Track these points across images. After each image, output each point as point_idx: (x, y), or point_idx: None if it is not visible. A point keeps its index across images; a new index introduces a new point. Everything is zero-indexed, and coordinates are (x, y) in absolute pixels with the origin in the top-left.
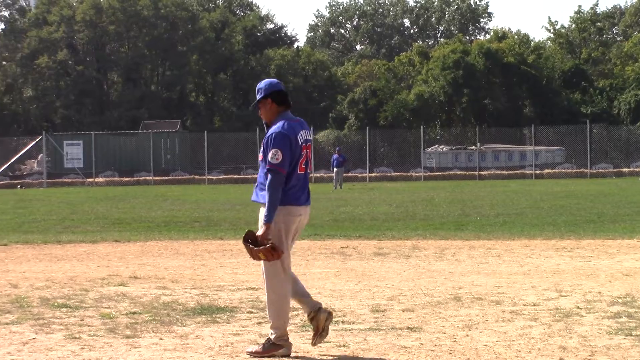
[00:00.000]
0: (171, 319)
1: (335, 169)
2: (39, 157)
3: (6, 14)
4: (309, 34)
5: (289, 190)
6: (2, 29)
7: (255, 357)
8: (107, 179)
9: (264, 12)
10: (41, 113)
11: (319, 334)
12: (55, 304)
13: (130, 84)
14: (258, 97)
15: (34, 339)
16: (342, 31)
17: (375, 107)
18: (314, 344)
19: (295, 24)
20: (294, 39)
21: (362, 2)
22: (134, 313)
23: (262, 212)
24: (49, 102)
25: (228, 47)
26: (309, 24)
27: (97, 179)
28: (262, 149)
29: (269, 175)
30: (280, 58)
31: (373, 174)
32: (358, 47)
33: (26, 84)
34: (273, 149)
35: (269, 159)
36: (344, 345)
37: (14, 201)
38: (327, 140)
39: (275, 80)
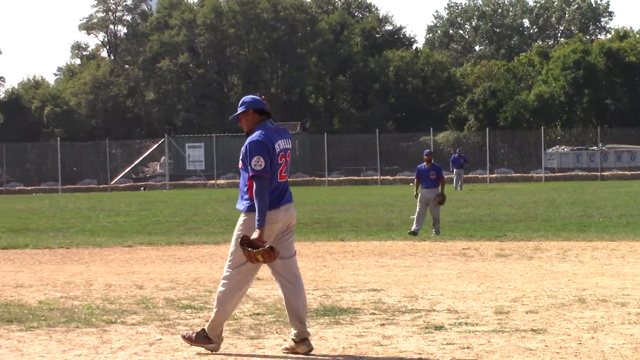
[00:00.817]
0: None
1: (455, 170)
2: (162, 159)
3: (128, 18)
4: (428, 35)
5: (268, 196)
6: (124, 33)
7: (185, 341)
8: (228, 180)
9: (382, 14)
10: (163, 116)
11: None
12: (180, 305)
13: (250, 86)
14: (240, 109)
15: (160, 339)
16: (461, 32)
17: (495, 108)
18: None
19: (414, 26)
20: (412, 40)
21: (481, 2)
22: (258, 314)
23: (241, 218)
24: (171, 105)
25: (347, 49)
26: (428, 25)
27: (218, 181)
28: (241, 158)
29: (255, 182)
30: (399, 59)
31: (493, 175)
32: (477, 47)
33: (148, 87)
34: (255, 156)
35: (252, 166)
36: (467, 347)
37: (137, 203)
38: (447, 142)
39: (258, 97)
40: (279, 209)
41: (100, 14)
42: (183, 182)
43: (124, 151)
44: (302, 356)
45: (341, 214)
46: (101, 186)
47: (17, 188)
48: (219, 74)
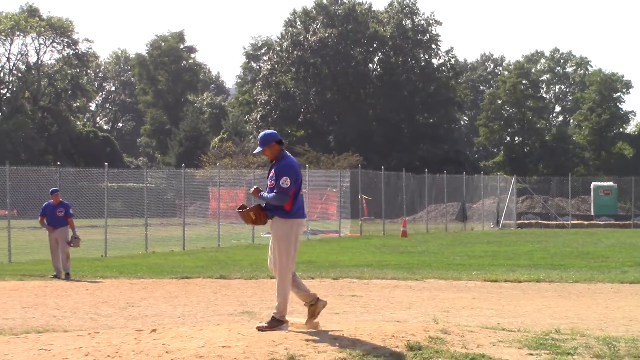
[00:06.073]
0: None
1: None
2: None
3: None
4: None
5: (297, 208)
6: None
7: (262, 331)
8: None
9: None
10: None
11: (313, 318)
12: None
13: None
14: (265, 144)
15: None
16: None
17: None
18: (306, 326)
19: None
20: None
21: None
22: None
23: (274, 221)
24: None
25: None
26: None
27: None
28: (272, 176)
29: (279, 194)
30: None
31: None
32: None
33: None
34: (284, 176)
35: (280, 183)
36: None
37: None
38: None
39: (274, 131)
40: (303, 219)
41: None
42: None
43: None
44: None
45: None
46: None
47: None
48: None
